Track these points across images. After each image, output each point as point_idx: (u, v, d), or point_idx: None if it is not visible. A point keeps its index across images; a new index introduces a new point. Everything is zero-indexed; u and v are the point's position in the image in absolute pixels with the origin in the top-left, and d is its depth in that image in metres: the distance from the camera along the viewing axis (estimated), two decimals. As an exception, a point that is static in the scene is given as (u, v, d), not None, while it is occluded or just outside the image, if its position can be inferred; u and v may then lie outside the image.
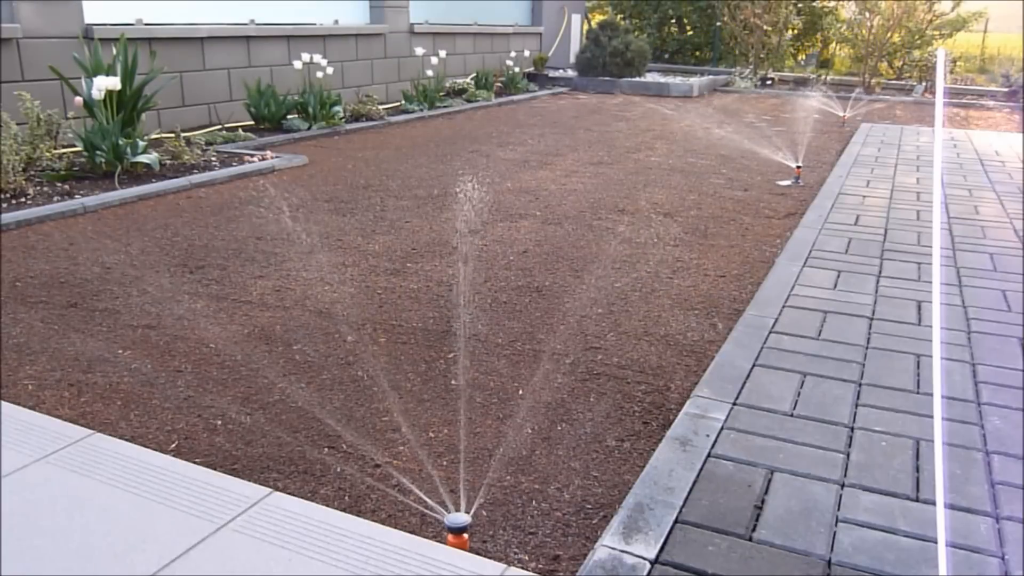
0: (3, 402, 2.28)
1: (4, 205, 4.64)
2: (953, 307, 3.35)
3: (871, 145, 7.70)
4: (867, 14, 13.68)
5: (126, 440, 2.18)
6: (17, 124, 5.27)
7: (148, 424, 2.37)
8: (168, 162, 5.81)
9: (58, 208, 4.62)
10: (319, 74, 8.17)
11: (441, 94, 10.13)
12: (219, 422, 2.39)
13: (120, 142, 5.42)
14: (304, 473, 2.14)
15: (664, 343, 3.04)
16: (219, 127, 7.58)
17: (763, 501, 1.96)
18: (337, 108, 8.10)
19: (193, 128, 7.38)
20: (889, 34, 13.57)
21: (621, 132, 8.51)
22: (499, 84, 12.03)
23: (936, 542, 1.79)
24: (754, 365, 2.73)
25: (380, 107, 8.92)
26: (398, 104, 9.81)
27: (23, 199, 4.78)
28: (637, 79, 13.16)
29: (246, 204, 5.02)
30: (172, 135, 6.28)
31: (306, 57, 8.06)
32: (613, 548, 1.77)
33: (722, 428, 2.30)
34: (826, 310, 3.27)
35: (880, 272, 3.78)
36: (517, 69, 12.44)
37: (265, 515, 1.79)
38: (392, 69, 10.37)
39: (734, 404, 2.45)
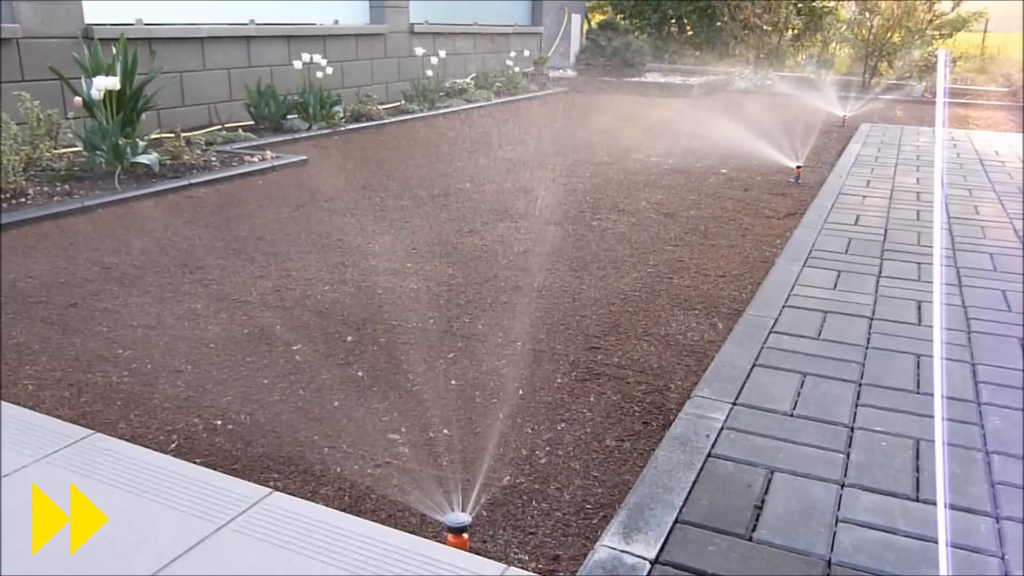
0: (3, 402, 2.28)
1: (4, 205, 4.64)
2: (953, 307, 3.35)
3: (871, 145, 7.70)
4: (867, 14, 13.68)
5: (126, 440, 2.18)
6: (17, 124, 5.27)
7: (148, 424, 2.37)
8: (168, 162, 5.80)
9: (58, 208, 4.62)
10: (319, 74, 8.17)
11: (441, 94, 10.13)
12: (219, 422, 2.39)
13: (120, 142, 5.42)
14: (304, 473, 2.13)
15: (664, 343, 3.04)
16: (219, 127, 7.58)
17: (763, 501, 1.96)
18: (337, 108, 8.10)
19: (193, 128, 7.38)
20: (889, 34, 13.57)
21: (621, 132, 8.50)
22: (499, 84, 12.03)
23: (936, 542, 1.79)
24: (754, 365, 2.73)
25: (380, 107, 8.93)
26: (398, 104, 9.81)
27: (23, 199, 4.78)
28: (637, 79, 13.16)
29: (246, 204, 5.02)
30: (172, 135, 6.28)
31: (306, 57, 8.06)
32: (613, 548, 1.77)
33: (722, 428, 2.30)
34: (826, 310, 3.27)
35: (880, 272, 3.78)
36: (517, 69, 12.44)
37: (265, 515, 1.79)
38: (392, 69, 10.37)
39: (734, 404, 2.45)
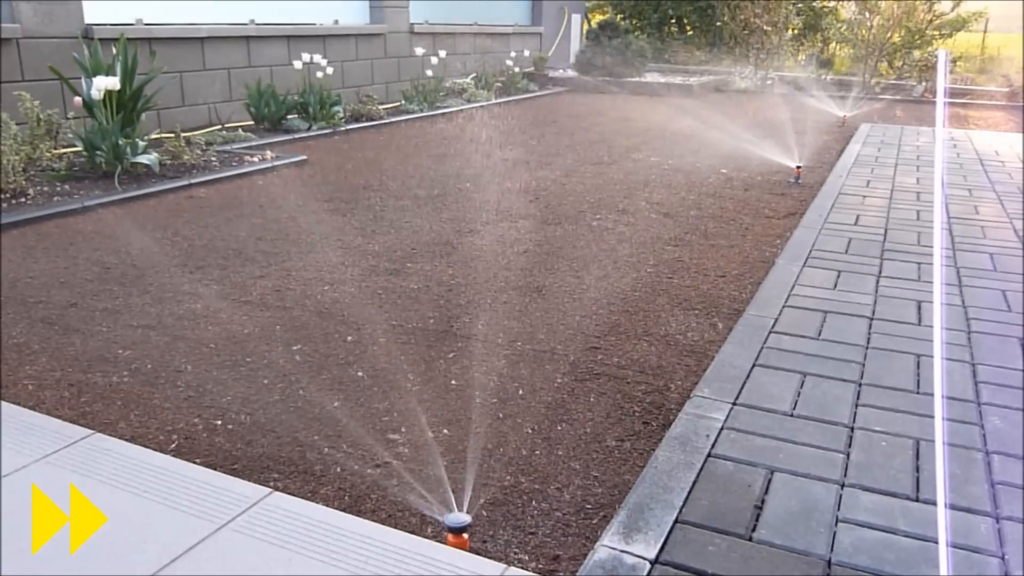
0: (3, 402, 2.28)
1: (4, 205, 4.64)
2: (953, 307, 3.35)
3: (871, 145, 7.70)
4: (867, 14, 13.68)
5: (126, 440, 2.18)
6: (17, 124, 5.27)
7: (148, 424, 2.37)
8: (168, 162, 5.81)
9: (58, 208, 4.62)
10: (319, 74, 8.17)
11: (441, 94, 10.13)
12: (219, 422, 2.39)
13: (120, 142, 5.42)
14: (304, 473, 2.14)
15: (664, 343, 3.04)
16: (219, 127, 7.58)
17: (763, 501, 1.96)
18: (337, 108, 8.10)
19: (193, 128, 7.38)
20: (889, 34, 13.57)
21: (621, 132, 8.50)
22: (499, 84, 12.04)
23: (936, 542, 1.79)
24: (754, 365, 2.73)
25: (380, 107, 8.92)
26: (398, 104, 9.82)
27: (23, 199, 4.78)
28: (637, 79, 13.16)
29: (246, 204, 5.02)
30: (172, 135, 6.28)
31: (306, 57, 8.07)
32: (613, 548, 1.77)
33: (722, 428, 2.30)
34: (826, 310, 3.27)
35: (880, 272, 3.78)
36: (517, 69, 12.44)
37: (265, 515, 1.79)
38: (392, 69, 10.37)
39: (734, 404, 2.45)
